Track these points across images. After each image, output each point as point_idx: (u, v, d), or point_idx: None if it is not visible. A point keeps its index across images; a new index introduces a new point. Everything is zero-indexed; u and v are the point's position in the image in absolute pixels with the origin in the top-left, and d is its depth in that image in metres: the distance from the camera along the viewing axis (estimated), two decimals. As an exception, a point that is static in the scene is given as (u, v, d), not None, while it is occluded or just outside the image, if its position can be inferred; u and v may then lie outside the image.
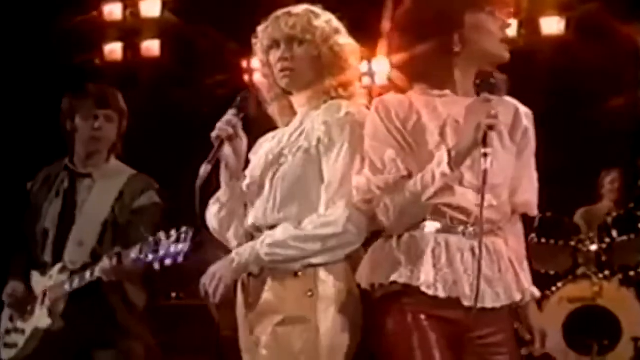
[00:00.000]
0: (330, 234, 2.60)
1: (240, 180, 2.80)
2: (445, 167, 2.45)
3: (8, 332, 3.91)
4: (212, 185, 2.76)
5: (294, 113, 2.82)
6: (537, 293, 2.72)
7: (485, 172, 2.38)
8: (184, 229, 3.26)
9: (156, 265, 3.37)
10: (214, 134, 2.73)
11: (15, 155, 6.51)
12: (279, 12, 2.80)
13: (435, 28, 2.58)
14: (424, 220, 2.55)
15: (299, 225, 2.63)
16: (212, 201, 2.83)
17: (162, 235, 3.36)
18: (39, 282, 3.83)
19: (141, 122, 4.07)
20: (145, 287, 3.90)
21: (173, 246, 3.30)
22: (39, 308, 3.78)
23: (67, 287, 3.70)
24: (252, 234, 2.76)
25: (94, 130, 3.85)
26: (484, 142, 2.40)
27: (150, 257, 3.37)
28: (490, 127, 2.41)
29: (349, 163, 2.63)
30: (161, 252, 3.34)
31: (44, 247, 3.85)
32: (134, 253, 3.47)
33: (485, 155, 2.39)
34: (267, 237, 2.64)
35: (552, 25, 7.71)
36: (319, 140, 2.67)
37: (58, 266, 3.78)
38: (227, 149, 2.74)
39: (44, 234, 3.86)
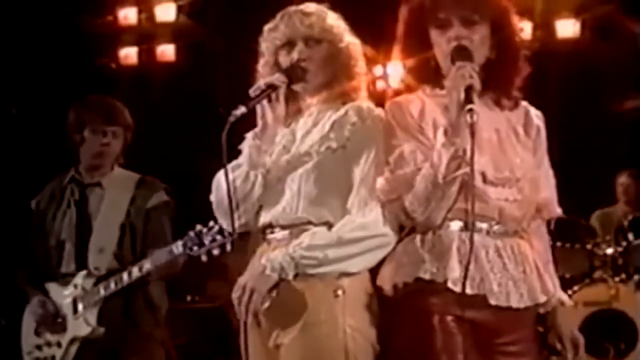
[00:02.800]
0: (367, 236, 2.56)
1: (267, 151, 2.71)
2: (442, 138, 2.46)
3: (39, 347, 3.93)
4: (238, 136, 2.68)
5: (297, 113, 2.78)
6: (566, 299, 2.70)
7: (472, 125, 2.38)
8: None
9: (204, 257, 3.40)
10: (259, 83, 2.65)
11: (28, 165, 6.53)
12: (290, 10, 2.74)
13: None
14: (450, 219, 2.54)
15: (327, 226, 2.60)
16: (231, 165, 2.68)
17: (200, 227, 3.39)
18: (60, 293, 3.86)
19: (156, 126, 4.09)
20: (167, 290, 3.97)
21: (218, 236, 3.33)
22: (72, 317, 3.81)
23: (102, 292, 3.75)
24: (264, 235, 2.71)
25: (102, 145, 3.92)
26: (466, 100, 2.41)
27: (196, 249, 3.40)
28: (469, 87, 2.43)
29: (378, 165, 2.60)
30: (207, 243, 3.37)
31: (60, 259, 3.89)
32: (177, 248, 3.52)
33: (470, 110, 2.39)
34: (302, 240, 2.57)
35: (568, 28, 7.70)
36: (347, 139, 2.64)
37: (82, 274, 3.82)
38: (267, 108, 2.66)
39: (59, 246, 3.90)
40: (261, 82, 2.67)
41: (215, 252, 3.36)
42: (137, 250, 3.86)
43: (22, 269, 4.04)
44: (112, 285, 3.72)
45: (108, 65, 7.86)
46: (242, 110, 2.57)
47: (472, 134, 2.37)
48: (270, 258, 2.57)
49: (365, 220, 2.57)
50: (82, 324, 3.78)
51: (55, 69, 7.03)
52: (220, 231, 3.30)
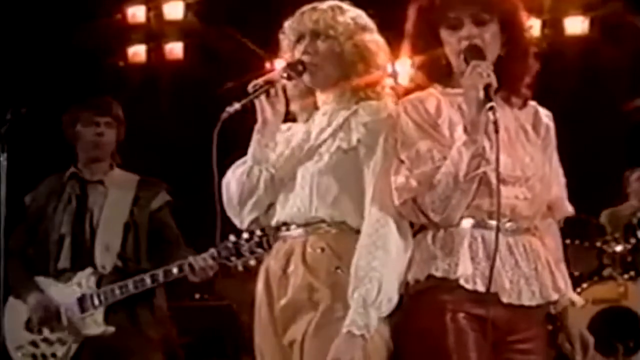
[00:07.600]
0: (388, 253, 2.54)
1: (269, 146, 2.71)
2: (463, 136, 2.46)
3: (34, 343, 3.91)
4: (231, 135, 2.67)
5: (315, 109, 2.79)
6: (577, 299, 2.69)
7: (495, 122, 2.39)
8: (258, 232, 3.25)
9: (240, 267, 3.45)
10: (255, 81, 2.66)
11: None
12: (305, 7, 2.77)
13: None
14: (462, 217, 2.53)
15: (343, 226, 2.60)
16: (238, 162, 2.71)
17: (235, 238, 3.39)
18: (61, 290, 3.86)
19: (164, 125, 4.10)
20: (172, 289, 3.98)
21: (258, 249, 3.36)
22: (79, 316, 3.81)
23: (117, 293, 3.77)
24: (278, 232, 2.71)
25: (96, 135, 3.99)
26: (487, 98, 2.43)
27: (234, 259, 3.45)
28: (487, 85, 2.44)
29: (392, 164, 2.59)
30: (246, 254, 3.41)
31: (58, 254, 3.90)
32: (210, 259, 3.60)
33: (492, 108, 2.41)
34: (356, 294, 2.49)
35: (576, 25, 7.68)
36: (358, 141, 2.64)
37: (88, 271, 3.84)
38: (265, 103, 2.67)
39: (59, 241, 3.92)
40: (260, 79, 2.69)
41: (252, 262, 3.40)
42: (142, 250, 3.89)
43: (12, 263, 3.91)
44: (131, 288, 3.74)
45: (116, 63, 7.88)
46: (235, 107, 2.59)
47: (497, 131, 2.39)
48: (355, 323, 2.48)
49: (381, 242, 2.53)
50: (92, 324, 3.80)
51: (64, 67, 7.04)
52: (260, 244, 3.33)
